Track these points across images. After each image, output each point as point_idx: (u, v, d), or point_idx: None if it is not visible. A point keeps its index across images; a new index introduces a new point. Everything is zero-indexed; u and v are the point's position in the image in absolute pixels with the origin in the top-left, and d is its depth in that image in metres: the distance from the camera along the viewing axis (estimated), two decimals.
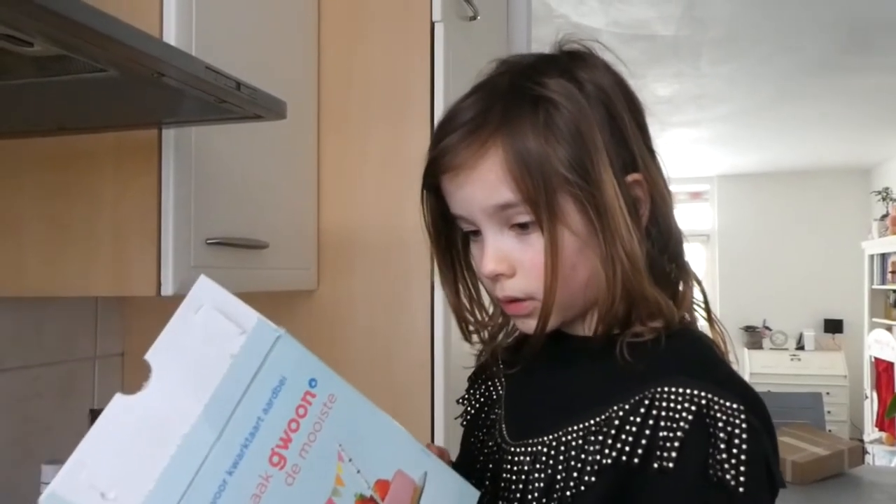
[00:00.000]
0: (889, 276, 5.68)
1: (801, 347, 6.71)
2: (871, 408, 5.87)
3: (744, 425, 0.57)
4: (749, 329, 6.85)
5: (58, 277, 1.03)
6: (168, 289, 0.98)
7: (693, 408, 0.57)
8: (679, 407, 0.58)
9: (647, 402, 0.59)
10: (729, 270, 7.00)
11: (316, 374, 0.56)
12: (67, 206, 1.02)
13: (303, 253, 1.37)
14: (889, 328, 5.63)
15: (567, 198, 0.63)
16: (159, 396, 0.51)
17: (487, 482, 0.72)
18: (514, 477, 0.67)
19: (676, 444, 0.56)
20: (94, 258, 1.01)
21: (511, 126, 0.63)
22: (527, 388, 0.75)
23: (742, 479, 0.55)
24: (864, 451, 2.93)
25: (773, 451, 0.61)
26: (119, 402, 0.50)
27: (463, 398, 0.84)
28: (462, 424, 0.83)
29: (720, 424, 0.57)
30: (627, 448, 0.58)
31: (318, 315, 1.40)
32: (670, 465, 0.56)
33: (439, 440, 1.32)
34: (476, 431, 0.79)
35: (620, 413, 0.60)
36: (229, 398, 0.52)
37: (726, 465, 0.55)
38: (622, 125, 0.66)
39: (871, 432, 5.76)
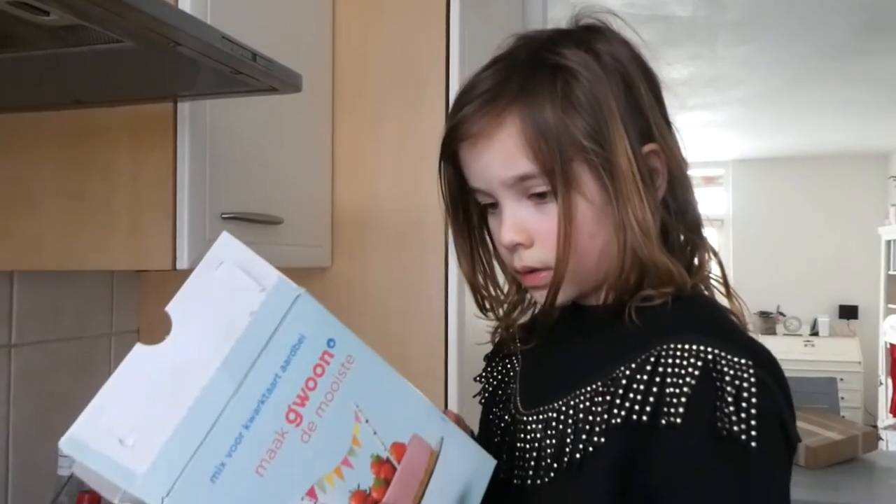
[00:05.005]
0: None
1: (815, 333, 6.66)
2: (885, 394, 5.83)
3: (753, 379, 0.56)
4: (763, 314, 6.81)
5: (75, 251, 1.03)
6: (183, 262, 0.98)
7: (699, 363, 0.57)
8: (685, 363, 0.57)
9: (653, 359, 0.59)
10: (743, 256, 6.94)
11: (335, 335, 0.57)
12: (84, 181, 1.02)
13: (317, 230, 1.37)
14: None
15: (583, 166, 0.64)
16: (179, 347, 0.51)
17: (504, 455, 0.72)
18: (527, 445, 0.68)
19: (683, 399, 0.56)
20: (111, 232, 1.01)
21: (529, 96, 0.63)
22: (541, 361, 0.76)
23: (754, 433, 0.55)
24: (878, 437, 2.91)
25: (789, 409, 0.60)
26: (139, 351, 0.50)
27: (481, 376, 0.85)
28: (480, 402, 0.84)
29: (727, 378, 0.56)
30: (637, 406, 0.58)
31: (332, 292, 1.40)
32: (678, 420, 0.56)
33: None
34: (493, 408, 0.80)
35: (627, 372, 0.60)
36: (248, 353, 0.52)
37: (734, 418, 0.55)
38: (638, 96, 0.66)
39: (885, 418, 5.73)
